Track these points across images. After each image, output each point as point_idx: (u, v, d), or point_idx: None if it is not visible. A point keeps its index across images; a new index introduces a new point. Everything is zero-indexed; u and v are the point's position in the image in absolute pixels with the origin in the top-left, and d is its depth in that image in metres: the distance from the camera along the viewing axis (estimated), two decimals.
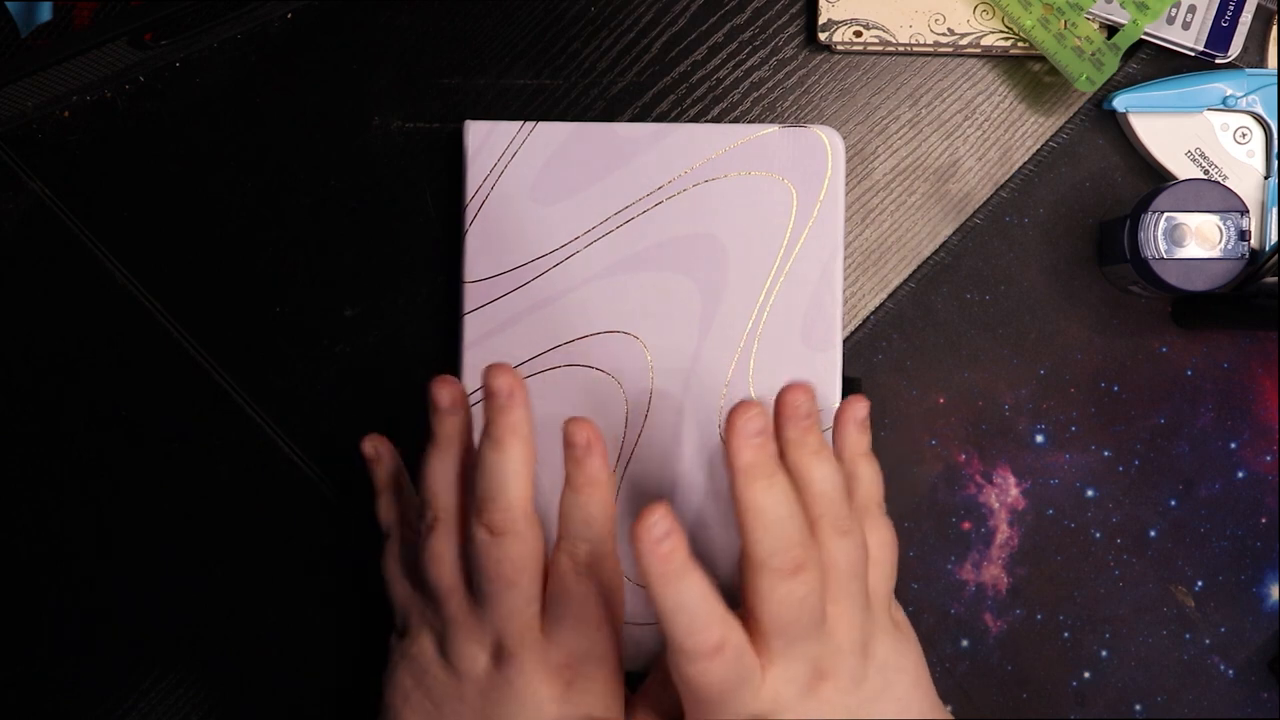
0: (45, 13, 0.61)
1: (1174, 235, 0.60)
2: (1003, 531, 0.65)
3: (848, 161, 0.65)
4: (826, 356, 0.62)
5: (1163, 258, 0.60)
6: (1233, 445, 0.65)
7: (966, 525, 0.65)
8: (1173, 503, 0.65)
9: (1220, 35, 0.63)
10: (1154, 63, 0.65)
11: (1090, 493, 0.65)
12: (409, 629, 0.57)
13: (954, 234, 0.66)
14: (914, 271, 0.65)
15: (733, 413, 0.50)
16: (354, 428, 0.65)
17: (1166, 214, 0.60)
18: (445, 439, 0.56)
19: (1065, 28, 0.62)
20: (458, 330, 0.63)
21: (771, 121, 0.66)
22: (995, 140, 0.66)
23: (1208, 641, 0.65)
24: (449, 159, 0.65)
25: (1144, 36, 0.63)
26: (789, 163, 0.62)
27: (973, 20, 0.64)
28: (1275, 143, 0.63)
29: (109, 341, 0.65)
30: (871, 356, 0.65)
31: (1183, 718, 0.64)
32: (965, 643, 0.65)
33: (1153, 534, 0.65)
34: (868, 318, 0.65)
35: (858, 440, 0.58)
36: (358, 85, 0.66)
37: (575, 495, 0.54)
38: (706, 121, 0.65)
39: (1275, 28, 0.65)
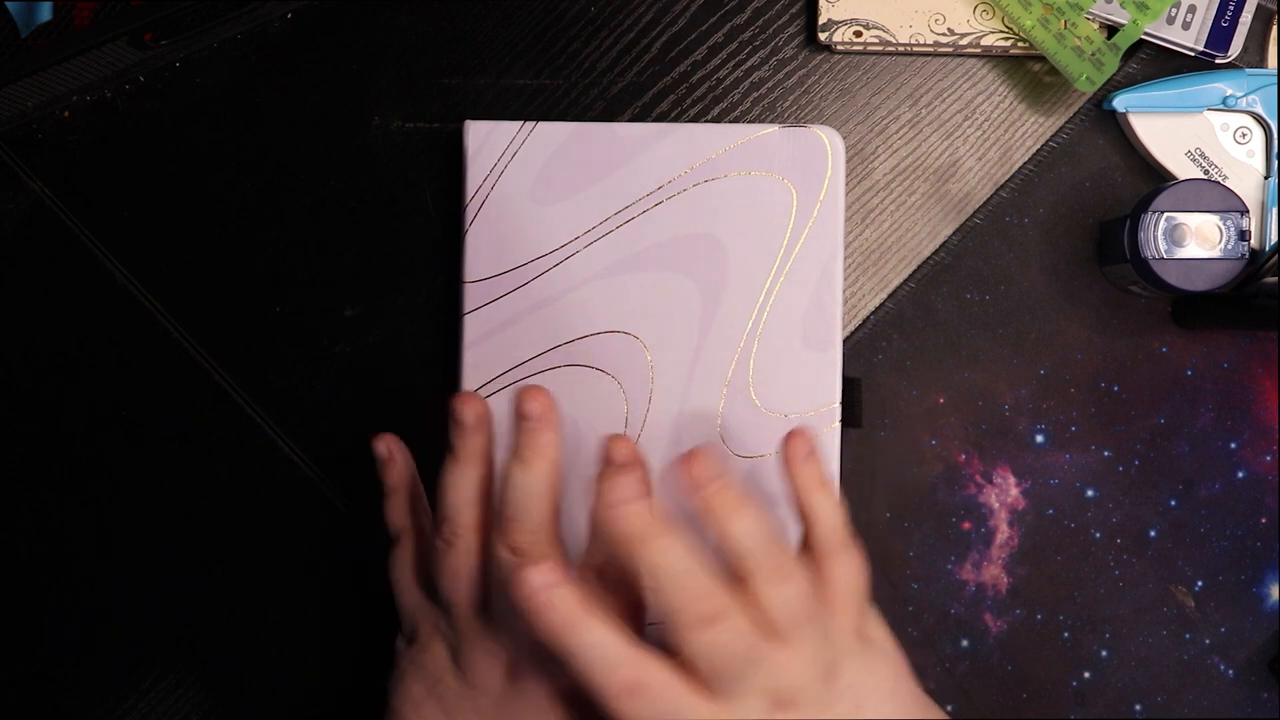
0: (45, 13, 0.61)
1: (1174, 235, 0.60)
2: (1003, 531, 0.65)
3: (848, 161, 0.65)
4: (826, 356, 0.62)
5: (1163, 258, 0.60)
6: (1233, 445, 0.65)
7: (966, 525, 0.65)
8: (1173, 503, 0.65)
9: (1220, 35, 0.63)
10: (1154, 63, 0.65)
11: (1090, 493, 0.65)
12: (419, 637, 0.57)
13: (954, 234, 0.66)
14: (914, 271, 0.65)
15: (598, 484, 0.50)
16: (354, 428, 0.65)
17: (1166, 214, 0.60)
18: (467, 455, 0.55)
19: (1065, 28, 0.62)
20: (458, 330, 0.63)
21: (771, 121, 0.66)
22: (995, 140, 0.66)
23: (1208, 641, 0.65)
24: (449, 159, 0.65)
25: (1144, 36, 0.63)
26: (789, 163, 0.62)
27: (973, 20, 0.64)
28: (1275, 143, 0.63)
29: (109, 341, 0.65)
30: (871, 356, 0.65)
31: (1183, 718, 0.64)
32: (965, 643, 0.65)
33: (1153, 534, 0.65)
34: (868, 318, 0.65)
35: (808, 475, 0.54)
36: (358, 85, 0.66)
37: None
38: (706, 121, 0.65)
39: (1275, 28, 0.65)
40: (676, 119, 0.66)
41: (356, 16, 0.66)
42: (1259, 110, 0.63)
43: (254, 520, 0.65)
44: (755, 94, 0.66)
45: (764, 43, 0.66)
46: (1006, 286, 0.65)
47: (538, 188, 0.62)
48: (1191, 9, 0.63)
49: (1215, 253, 0.60)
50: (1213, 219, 0.61)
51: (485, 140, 0.63)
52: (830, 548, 0.54)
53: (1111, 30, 0.63)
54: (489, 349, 0.62)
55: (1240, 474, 0.65)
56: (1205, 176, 0.64)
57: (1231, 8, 0.63)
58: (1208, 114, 0.64)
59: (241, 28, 0.65)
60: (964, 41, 0.64)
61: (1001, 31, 0.64)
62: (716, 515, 0.50)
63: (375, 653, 0.65)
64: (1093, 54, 0.62)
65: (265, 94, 0.65)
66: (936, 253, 0.66)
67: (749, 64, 0.66)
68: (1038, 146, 0.66)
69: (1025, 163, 0.66)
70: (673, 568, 0.49)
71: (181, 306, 0.65)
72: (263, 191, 0.65)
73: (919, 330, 0.65)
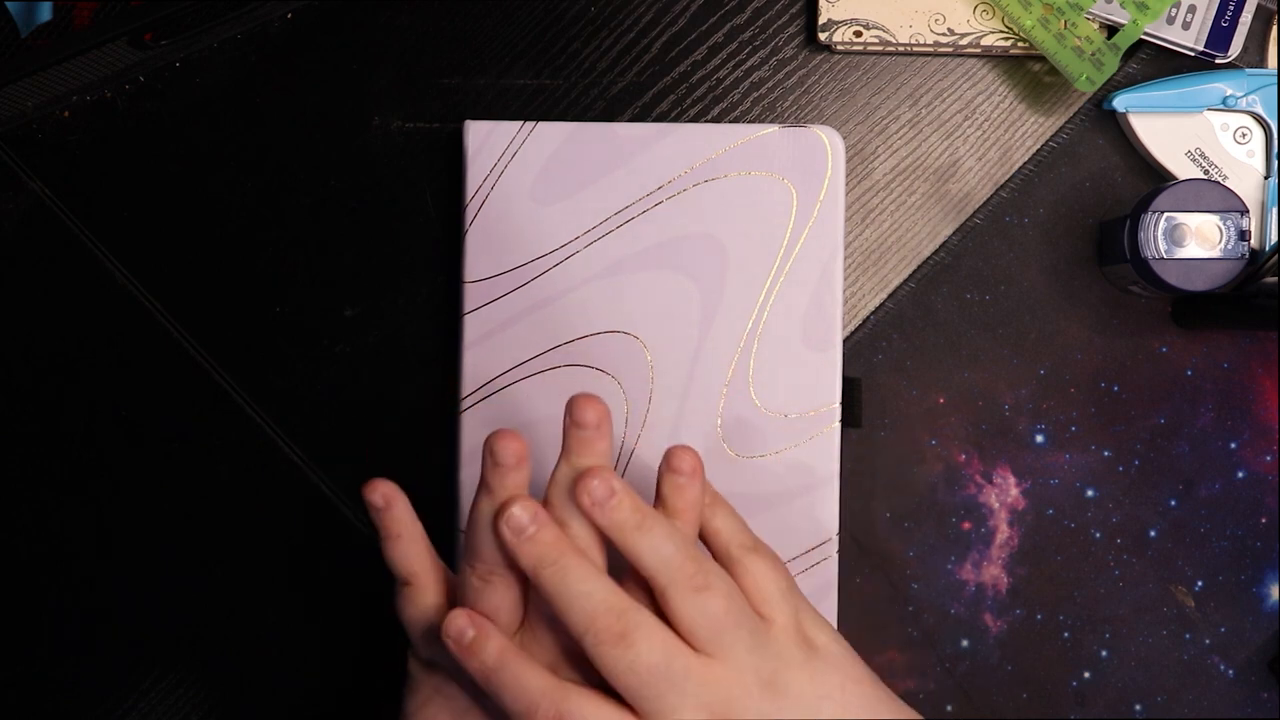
0: (45, 13, 0.61)
1: (1174, 235, 0.60)
2: (1003, 531, 0.65)
3: (848, 161, 0.65)
4: (826, 356, 0.62)
5: (1163, 258, 0.60)
6: (1233, 445, 0.65)
7: (966, 525, 0.65)
8: (1173, 503, 0.65)
9: (1220, 35, 0.63)
10: (1154, 63, 0.65)
11: (1090, 493, 0.65)
12: (441, 667, 0.55)
13: (954, 234, 0.66)
14: (914, 271, 0.65)
15: (496, 520, 0.49)
16: (354, 428, 0.65)
17: (1166, 214, 0.60)
18: (504, 494, 0.53)
19: (1065, 28, 0.62)
20: (458, 330, 0.63)
21: (771, 121, 0.66)
22: (995, 140, 0.66)
23: (1208, 641, 0.65)
24: (449, 159, 0.65)
25: (1144, 36, 0.63)
26: (789, 163, 0.62)
27: (973, 20, 0.64)
28: (1275, 143, 0.63)
29: (109, 341, 0.65)
30: (871, 356, 0.65)
31: (1183, 718, 0.64)
32: (965, 643, 0.65)
33: (1153, 534, 0.65)
34: (868, 318, 0.65)
35: (693, 495, 0.52)
36: (358, 85, 0.66)
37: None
38: (706, 121, 0.65)
39: (1275, 28, 0.65)
40: (676, 119, 0.66)
41: (356, 16, 0.66)
42: (1259, 110, 0.63)
43: (254, 520, 0.65)
44: (755, 94, 0.66)
45: (764, 43, 0.66)
46: (1006, 286, 0.65)
47: (538, 188, 0.62)
48: (1191, 9, 0.63)
49: (1215, 253, 0.60)
50: (1213, 219, 0.60)
51: (485, 140, 0.63)
52: (737, 554, 0.53)
53: (1111, 30, 0.63)
54: (489, 349, 0.62)
55: (1240, 474, 0.65)
56: (1205, 176, 0.64)
57: (1231, 8, 0.63)
58: (1208, 114, 0.64)
59: (241, 28, 0.65)
60: (964, 41, 0.64)
61: (1001, 31, 0.64)
62: (618, 534, 0.50)
63: (375, 653, 0.65)
64: (1093, 54, 0.62)
65: (265, 94, 0.65)
66: (936, 253, 0.66)
67: (749, 64, 0.66)
68: (1038, 146, 0.66)
69: (1025, 163, 0.66)
70: (571, 589, 0.49)
71: (181, 306, 0.65)
72: (263, 191, 0.65)
73: (919, 330, 0.65)
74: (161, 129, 0.65)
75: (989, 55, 0.65)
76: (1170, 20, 0.63)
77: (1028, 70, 0.66)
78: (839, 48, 0.65)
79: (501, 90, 0.66)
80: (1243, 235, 0.60)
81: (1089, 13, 0.62)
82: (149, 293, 0.65)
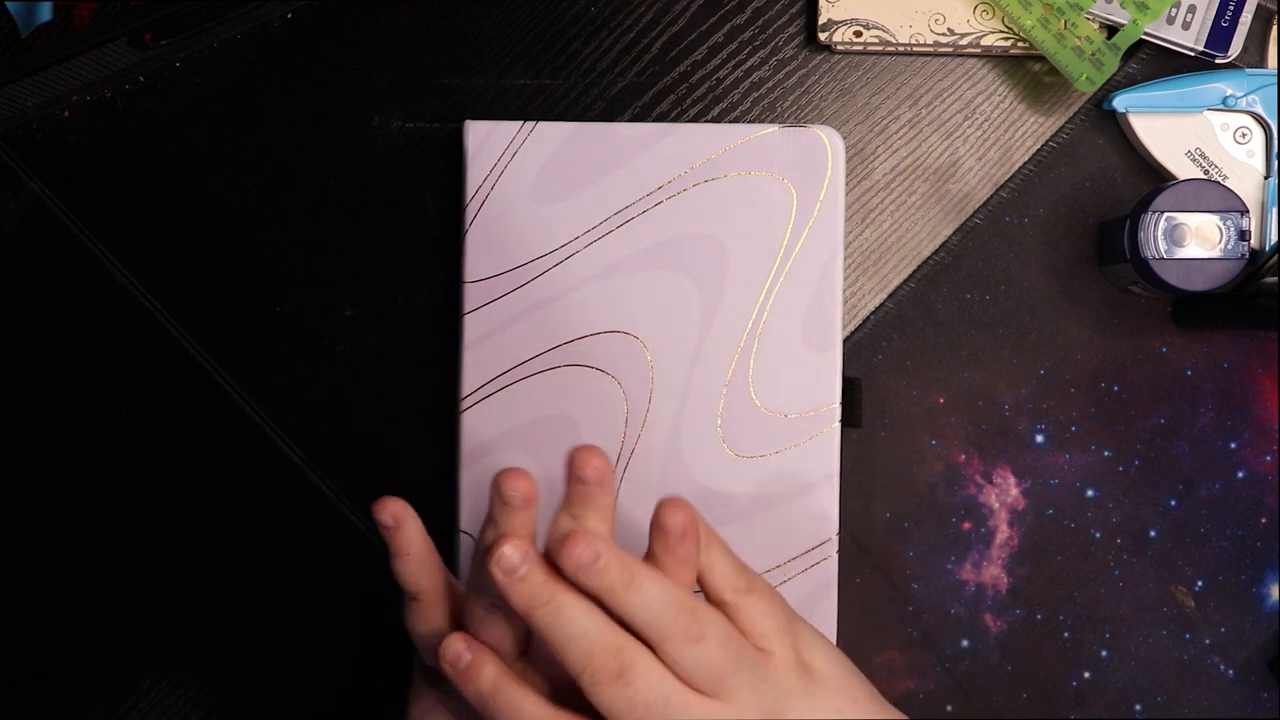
0: (45, 13, 0.61)
1: (1174, 235, 0.60)
2: (1003, 531, 0.65)
3: (848, 161, 0.65)
4: (826, 356, 0.62)
5: (1163, 258, 0.60)
6: (1233, 445, 0.65)
7: (966, 525, 0.65)
8: (1173, 503, 0.65)
9: (1220, 35, 0.63)
10: (1154, 63, 0.65)
11: (1090, 493, 0.65)
12: (445, 679, 0.54)
13: (954, 234, 0.66)
14: (914, 271, 0.65)
15: (488, 560, 0.49)
16: (354, 428, 0.65)
17: (1166, 214, 0.60)
18: (513, 531, 0.52)
19: (1065, 28, 0.62)
20: (458, 330, 0.63)
21: (771, 121, 0.66)
22: (995, 140, 0.66)
23: (1208, 641, 0.65)
24: (449, 159, 0.65)
25: (1144, 36, 0.63)
26: (789, 163, 0.62)
27: (973, 20, 0.64)
28: (1275, 143, 0.63)
29: (109, 341, 0.65)
30: (871, 356, 0.65)
31: (1183, 718, 0.64)
32: (965, 643, 0.65)
33: (1153, 534, 0.65)
34: (868, 318, 0.65)
35: (685, 553, 0.51)
36: (358, 85, 0.66)
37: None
38: (706, 121, 0.65)
39: (1275, 28, 0.65)
40: (676, 119, 0.66)
41: (356, 16, 0.66)
42: (1259, 110, 0.63)
43: (254, 520, 0.65)
44: (755, 94, 0.66)
45: (764, 43, 0.66)
46: (1006, 286, 0.65)
47: (538, 188, 0.62)
48: (1191, 9, 0.63)
49: (1215, 253, 0.60)
50: (1213, 219, 0.61)
51: (485, 140, 0.63)
52: (730, 599, 0.52)
53: (1111, 30, 0.63)
54: (489, 349, 0.62)
55: (1240, 474, 0.65)
56: (1205, 176, 0.64)
57: (1231, 8, 0.63)
58: (1208, 114, 0.64)
59: (241, 28, 0.65)
60: (964, 41, 0.64)
61: (1001, 31, 0.64)
62: (608, 596, 0.49)
63: (375, 653, 0.65)
64: (1093, 54, 0.62)
65: (265, 94, 0.66)
66: (936, 253, 0.66)
67: (749, 64, 0.66)
68: (1038, 146, 0.66)
69: (1025, 163, 0.66)
70: (565, 629, 0.49)
71: (181, 306, 0.65)
72: (263, 191, 0.65)
73: (919, 330, 0.65)
74: (161, 129, 0.65)
75: (989, 55, 0.65)
76: (1170, 20, 0.63)
77: (1028, 70, 0.66)
78: (839, 48, 0.65)
79: (501, 90, 0.66)
80: (1243, 235, 0.60)
81: (1089, 13, 0.62)
82: (149, 293, 0.65)
